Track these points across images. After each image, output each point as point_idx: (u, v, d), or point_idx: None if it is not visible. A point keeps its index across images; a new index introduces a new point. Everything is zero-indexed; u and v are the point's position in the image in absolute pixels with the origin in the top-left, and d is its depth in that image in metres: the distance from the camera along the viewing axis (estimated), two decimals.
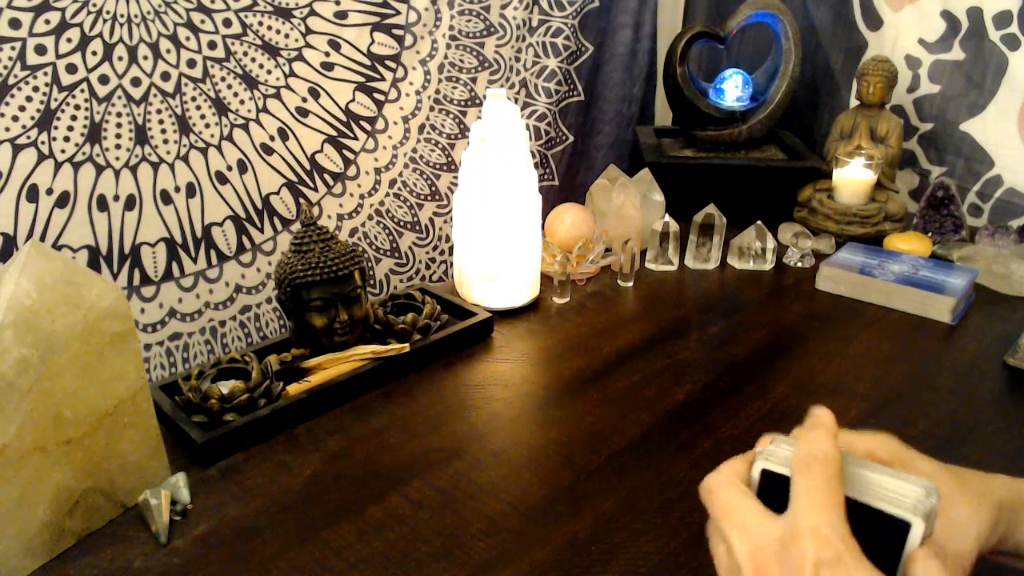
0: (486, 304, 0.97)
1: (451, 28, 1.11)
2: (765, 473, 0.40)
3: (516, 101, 1.24)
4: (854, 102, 1.32)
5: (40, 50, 0.78)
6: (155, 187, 0.89)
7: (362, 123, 1.07)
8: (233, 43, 0.92)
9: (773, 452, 0.41)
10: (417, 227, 1.18)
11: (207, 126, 0.92)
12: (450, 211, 1.19)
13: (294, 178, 1.02)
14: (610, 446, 0.73)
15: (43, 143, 0.80)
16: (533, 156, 1.23)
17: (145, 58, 0.85)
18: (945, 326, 0.97)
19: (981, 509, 0.46)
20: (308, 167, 1.03)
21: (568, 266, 1.04)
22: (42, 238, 0.82)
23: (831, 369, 0.88)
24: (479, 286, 0.98)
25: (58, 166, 0.82)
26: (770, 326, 0.98)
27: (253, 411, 0.74)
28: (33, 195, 0.81)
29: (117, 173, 0.86)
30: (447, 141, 1.16)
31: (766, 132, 1.30)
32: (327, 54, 1.00)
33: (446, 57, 1.12)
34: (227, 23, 0.91)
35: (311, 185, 1.04)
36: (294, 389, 0.78)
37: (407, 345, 0.85)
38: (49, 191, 0.82)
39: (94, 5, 0.80)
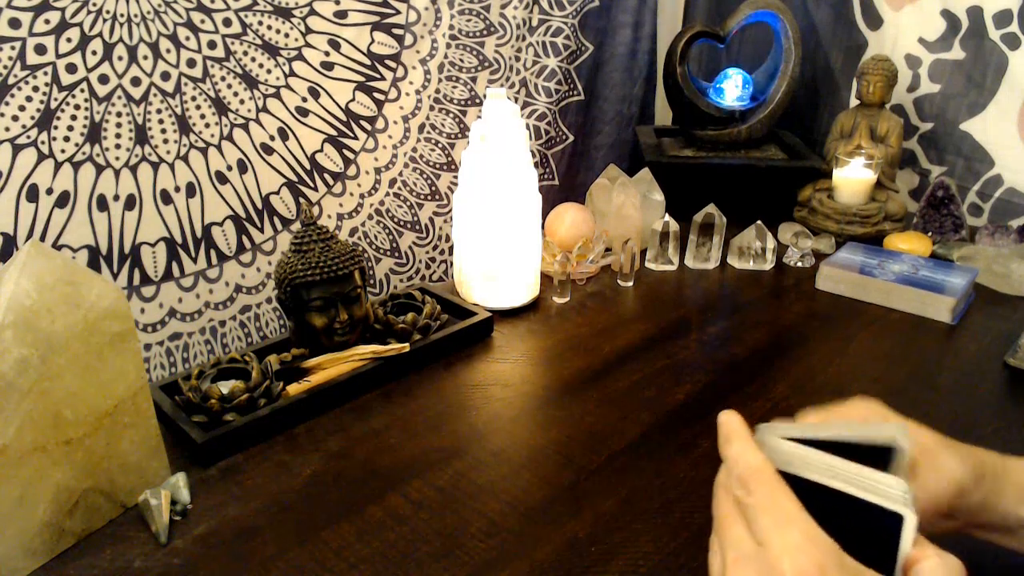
0: (486, 304, 0.97)
1: (451, 27, 1.11)
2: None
3: (516, 101, 1.24)
4: (854, 102, 1.32)
5: (40, 50, 0.78)
6: (155, 187, 0.89)
7: (362, 123, 1.07)
8: (233, 43, 0.92)
9: (769, 444, 0.40)
10: (417, 227, 1.18)
11: (207, 126, 0.92)
12: (450, 211, 1.19)
13: (294, 178, 1.02)
14: (610, 446, 0.73)
15: (43, 143, 0.80)
16: (533, 156, 1.23)
17: (145, 58, 0.85)
18: (945, 326, 0.97)
19: (963, 463, 0.48)
20: (308, 167, 1.03)
21: (568, 266, 1.04)
22: (42, 238, 0.82)
23: (831, 369, 0.88)
24: (479, 286, 0.98)
25: (58, 166, 0.82)
26: (770, 326, 0.98)
27: (253, 411, 0.74)
28: (33, 195, 0.81)
29: (117, 173, 0.86)
30: (447, 141, 1.16)
31: (766, 132, 1.30)
32: (327, 54, 1.00)
33: (446, 56, 1.12)
34: (227, 23, 0.91)
35: (311, 185, 1.04)
36: (294, 389, 0.78)
37: (407, 345, 0.85)
38: (49, 191, 0.82)
39: (94, 5, 0.80)
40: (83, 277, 0.58)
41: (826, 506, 0.37)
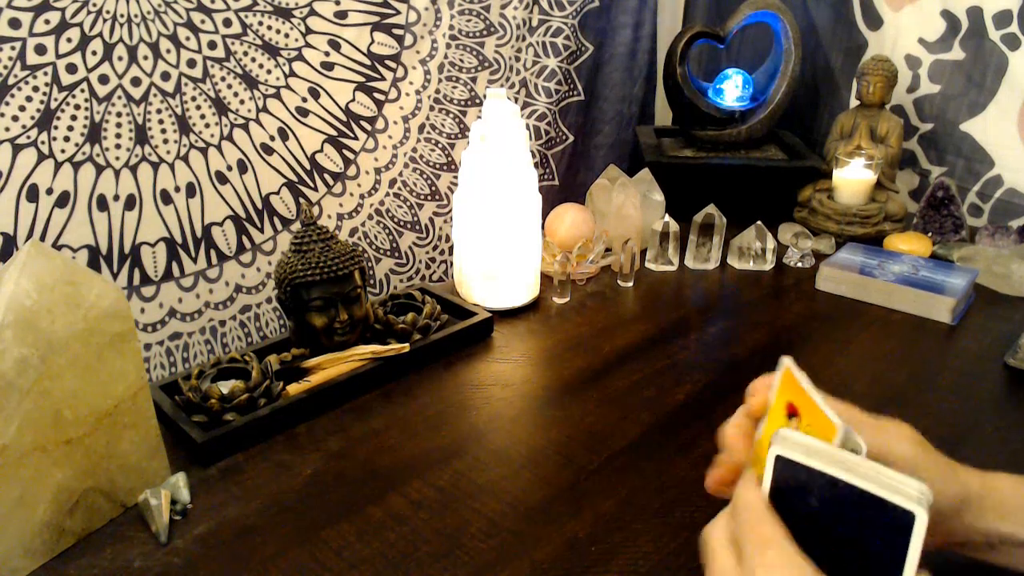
0: (486, 304, 0.97)
1: (451, 28, 1.11)
2: (780, 460, 0.40)
3: (516, 101, 1.24)
4: (854, 102, 1.32)
5: (40, 50, 0.78)
6: (155, 187, 0.89)
7: (362, 123, 1.07)
8: (233, 43, 0.92)
9: (787, 437, 0.40)
10: (417, 227, 1.18)
11: (207, 126, 0.92)
12: (450, 211, 1.19)
13: (294, 178, 1.02)
14: (610, 446, 0.73)
15: (43, 143, 0.80)
16: (533, 156, 1.23)
17: (145, 58, 0.85)
18: (945, 326, 0.97)
19: (947, 478, 0.48)
20: (308, 167, 1.03)
21: (568, 266, 1.04)
22: (42, 238, 0.82)
23: (831, 369, 0.88)
24: (479, 286, 0.98)
25: (58, 166, 0.82)
26: (770, 326, 0.98)
27: (253, 411, 0.74)
28: (33, 195, 0.81)
29: (117, 173, 0.86)
30: (447, 141, 1.16)
31: (766, 132, 1.30)
32: (327, 54, 1.00)
33: (446, 57, 1.12)
34: (227, 23, 0.91)
35: (311, 185, 1.04)
36: (294, 389, 0.78)
37: (407, 345, 0.85)
38: (49, 191, 0.82)
39: (94, 5, 0.80)
40: (83, 277, 0.58)
41: (838, 503, 0.38)
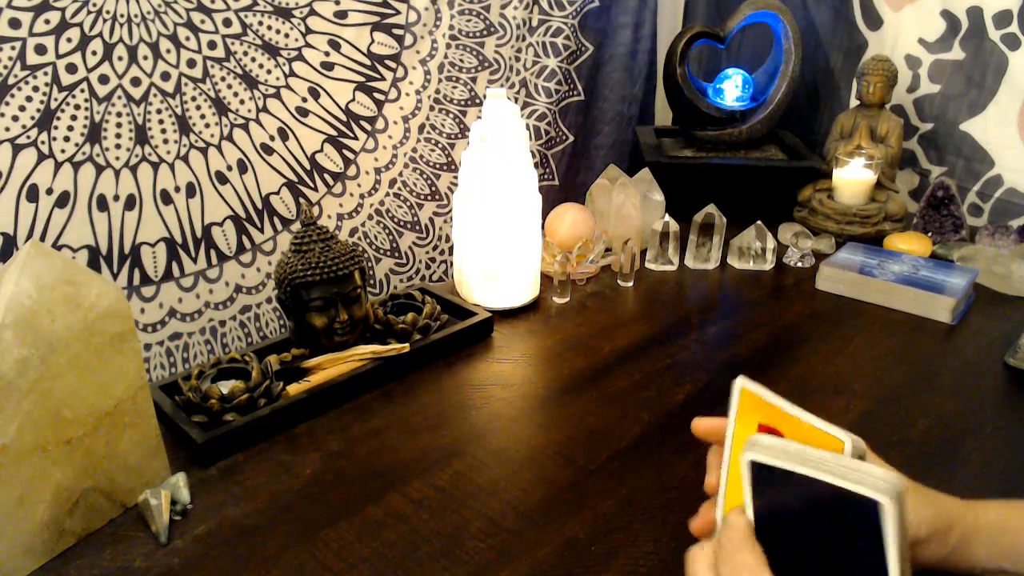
0: (486, 304, 0.97)
1: (451, 28, 1.11)
2: (755, 465, 0.39)
3: (516, 101, 1.24)
4: (854, 102, 1.32)
5: (40, 50, 0.78)
6: (155, 187, 0.89)
7: (362, 123, 1.07)
8: (233, 43, 0.92)
9: (758, 441, 0.40)
10: (417, 227, 1.18)
11: (207, 126, 0.92)
12: (450, 211, 1.19)
13: (294, 178, 1.02)
14: (610, 446, 0.73)
15: (43, 143, 0.80)
16: (533, 156, 1.23)
17: (145, 58, 0.85)
18: (945, 326, 0.97)
19: (919, 502, 0.48)
20: (308, 167, 1.03)
21: (568, 266, 1.04)
22: (42, 238, 0.82)
23: (831, 369, 0.88)
24: (479, 286, 0.98)
25: (58, 166, 0.82)
26: (770, 326, 0.98)
27: (253, 411, 0.74)
28: (33, 195, 0.81)
29: (117, 173, 0.86)
30: (447, 141, 1.16)
31: (766, 132, 1.30)
32: (327, 54, 1.00)
33: (446, 57, 1.12)
34: (227, 23, 0.91)
35: (311, 185, 1.04)
36: (294, 389, 0.78)
37: (407, 345, 0.85)
38: (49, 191, 0.82)
39: (94, 5, 0.80)
40: (83, 277, 0.58)
41: (816, 506, 0.37)
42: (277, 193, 1.01)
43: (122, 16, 0.82)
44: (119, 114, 0.85)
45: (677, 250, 1.13)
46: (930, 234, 1.20)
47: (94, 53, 0.81)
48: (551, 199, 1.17)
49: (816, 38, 1.42)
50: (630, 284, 1.08)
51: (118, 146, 0.85)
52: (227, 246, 0.98)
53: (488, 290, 0.98)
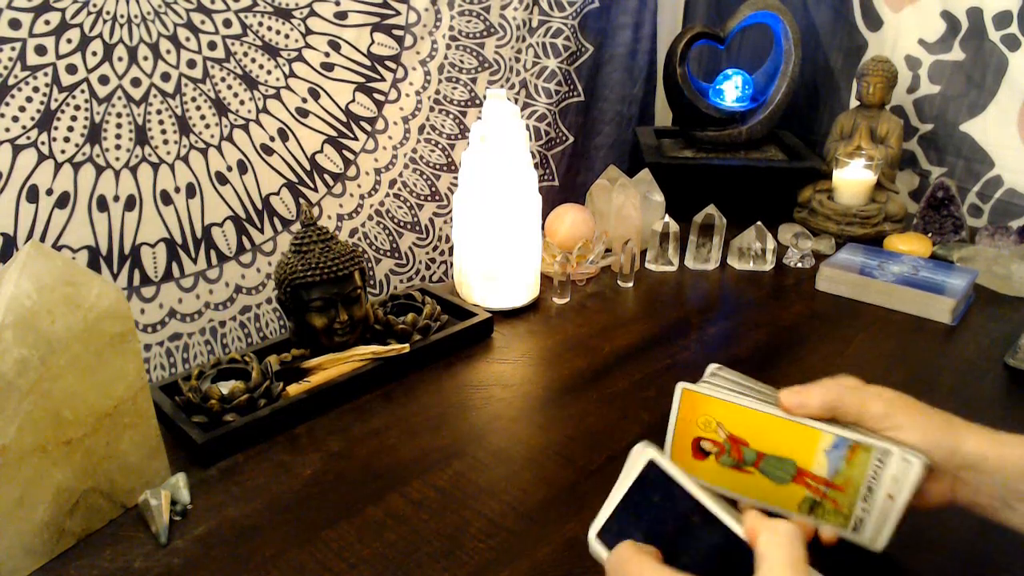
0: (486, 304, 0.98)
1: (451, 28, 1.11)
2: (651, 465, 0.46)
3: (516, 101, 1.24)
4: (854, 102, 1.33)
5: (40, 51, 0.78)
6: (155, 187, 0.89)
7: (362, 123, 1.07)
8: (233, 44, 0.92)
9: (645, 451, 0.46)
10: (417, 227, 1.18)
11: (207, 126, 0.92)
12: (450, 211, 1.19)
13: (294, 178, 1.02)
14: (610, 446, 0.73)
15: (43, 143, 0.80)
16: (533, 156, 1.23)
17: (145, 59, 0.85)
18: (945, 327, 0.97)
19: (928, 429, 0.52)
20: (308, 167, 1.03)
21: (568, 266, 1.04)
22: (42, 238, 0.82)
23: (831, 369, 0.87)
24: (479, 286, 0.98)
25: (58, 166, 0.82)
26: (770, 326, 0.98)
27: (253, 411, 0.74)
28: (33, 195, 0.81)
29: (117, 173, 0.86)
30: (447, 141, 1.17)
31: (766, 132, 1.30)
32: (327, 54, 1.00)
33: (446, 57, 1.12)
34: (227, 23, 0.91)
35: (311, 185, 1.04)
36: (294, 389, 0.78)
37: (407, 345, 0.85)
38: (49, 191, 0.82)
39: (94, 6, 0.80)
40: (83, 277, 0.58)
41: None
42: (277, 194, 1.01)
43: (122, 17, 0.82)
44: (119, 115, 0.85)
45: (677, 251, 1.13)
46: (930, 235, 1.20)
47: (94, 54, 0.81)
48: (551, 199, 1.17)
49: (816, 38, 1.42)
50: (630, 284, 1.08)
51: (118, 147, 0.85)
52: (227, 247, 0.98)
53: (488, 290, 0.98)
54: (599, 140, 1.41)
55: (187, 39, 0.88)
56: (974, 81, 1.25)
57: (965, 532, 0.62)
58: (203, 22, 0.89)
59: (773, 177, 1.31)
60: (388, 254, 1.16)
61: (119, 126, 0.85)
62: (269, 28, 0.94)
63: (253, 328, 1.03)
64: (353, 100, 1.05)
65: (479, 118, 0.95)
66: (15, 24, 0.76)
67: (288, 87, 0.98)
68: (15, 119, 0.78)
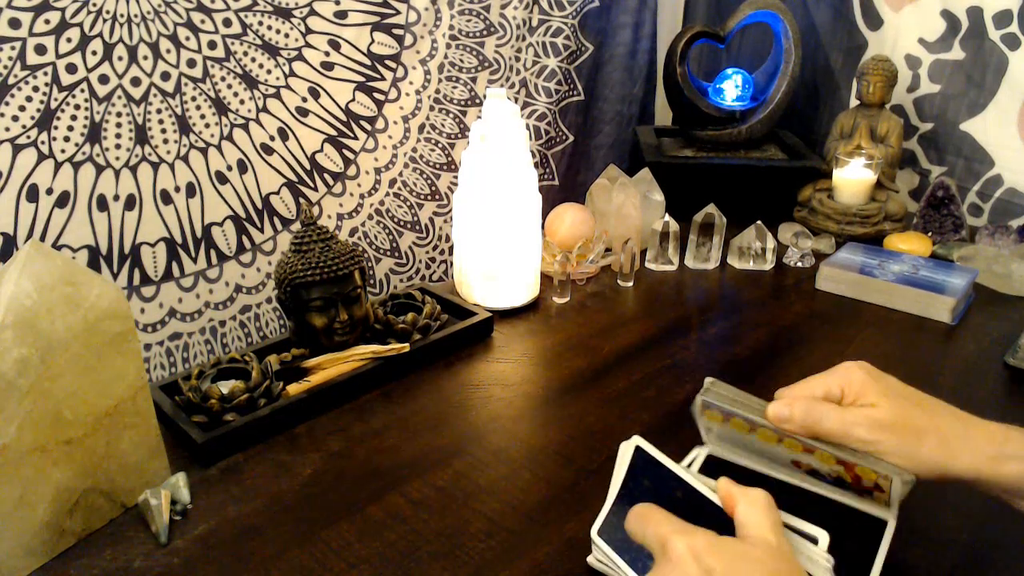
0: (486, 304, 0.97)
1: (451, 28, 1.11)
2: (638, 450, 0.53)
3: (516, 101, 1.24)
4: (854, 102, 1.33)
5: (40, 50, 0.78)
6: (155, 187, 0.89)
7: (362, 123, 1.07)
8: (233, 43, 0.92)
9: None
10: (417, 227, 1.18)
11: (207, 126, 0.92)
12: (450, 211, 1.19)
13: (294, 178, 1.02)
14: (610, 446, 0.73)
15: (43, 143, 0.80)
16: (533, 156, 1.23)
17: (145, 58, 0.85)
18: (945, 326, 0.97)
19: (894, 404, 0.54)
20: (308, 167, 1.03)
21: (568, 266, 1.04)
22: (42, 238, 0.82)
23: None
24: (479, 286, 0.98)
25: (58, 166, 0.82)
26: (770, 326, 0.98)
27: (253, 411, 0.74)
28: (33, 195, 0.81)
29: (117, 173, 0.86)
30: (447, 141, 1.16)
31: (766, 132, 1.30)
32: (327, 54, 1.00)
33: (446, 57, 1.12)
34: (227, 23, 0.91)
35: (311, 185, 1.04)
36: (294, 389, 0.78)
37: (407, 345, 0.85)
38: (49, 191, 0.82)
39: (94, 5, 0.80)
40: (83, 277, 0.58)
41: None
42: (277, 193, 1.01)
43: (122, 16, 0.82)
44: (119, 114, 0.85)
45: (677, 250, 1.13)
46: (930, 234, 1.20)
47: (94, 53, 0.81)
48: (551, 199, 1.17)
49: (816, 38, 1.42)
50: (630, 284, 1.08)
51: (118, 146, 0.85)
52: (227, 246, 0.98)
53: (488, 290, 0.98)
54: (599, 139, 1.41)
55: (187, 38, 0.88)
56: (974, 80, 1.25)
57: (965, 531, 0.62)
58: (203, 21, 0.89)
59: (773, 176, 1.31)
60: (388, 253, 1.16)
61: (119, 125, 0.85)
62: (269, 27, 0.94)
63: (253, 328, 1.03)
64: (353, 99, 1.05)
65: (479, 117, 0.95)
66: (15, 23, 0.76)
67: (288, 86, 0.98)
68: (15, 118, 0.78)
